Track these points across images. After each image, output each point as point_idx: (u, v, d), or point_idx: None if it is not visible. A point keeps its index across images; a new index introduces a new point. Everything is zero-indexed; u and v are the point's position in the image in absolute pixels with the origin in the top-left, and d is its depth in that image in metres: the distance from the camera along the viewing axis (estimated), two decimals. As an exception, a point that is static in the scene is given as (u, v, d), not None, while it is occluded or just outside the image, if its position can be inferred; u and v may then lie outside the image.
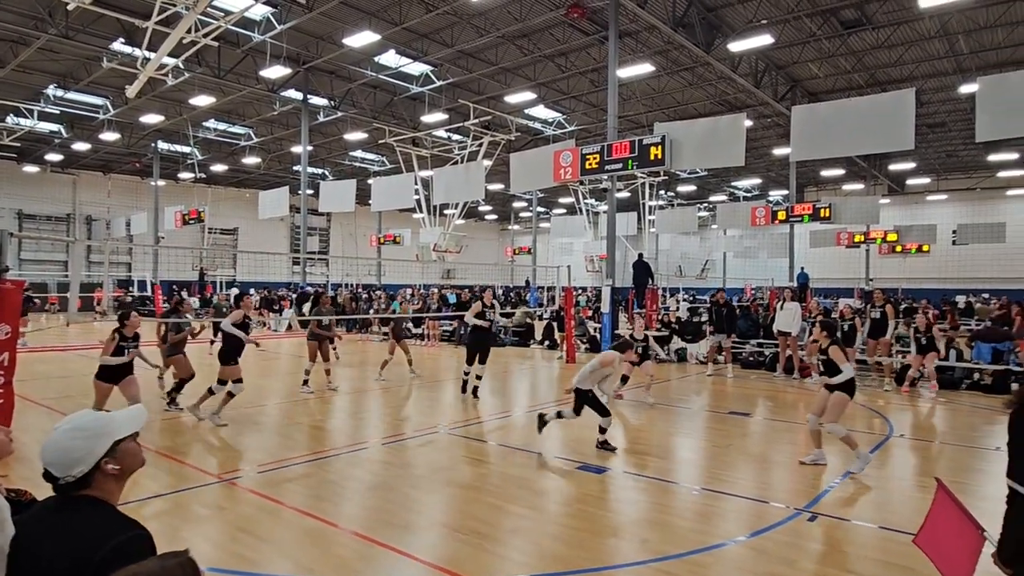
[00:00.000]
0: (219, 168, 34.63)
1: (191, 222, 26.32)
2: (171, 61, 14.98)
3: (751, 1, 16.63)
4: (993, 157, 30.33)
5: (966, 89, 20.32)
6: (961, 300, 28.63)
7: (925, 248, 31.72)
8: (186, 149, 30.18)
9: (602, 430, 7.01)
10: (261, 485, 5.69)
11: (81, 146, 29.36)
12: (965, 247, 30.72)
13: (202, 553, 3.92)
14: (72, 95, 24.14)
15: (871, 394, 10.84)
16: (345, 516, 5.05)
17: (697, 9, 16.99)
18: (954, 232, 29.32)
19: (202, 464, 6.33)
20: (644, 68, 19.76)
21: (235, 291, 26.90)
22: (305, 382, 10.50)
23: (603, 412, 6.97)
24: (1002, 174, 34.11)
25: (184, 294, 21.09)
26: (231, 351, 8.17)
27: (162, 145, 31.43)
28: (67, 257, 33.30)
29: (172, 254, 32.12)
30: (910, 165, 33.28)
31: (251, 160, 32.94)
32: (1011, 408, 1.96)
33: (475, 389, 10.08)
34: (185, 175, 33.88)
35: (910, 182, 37.20)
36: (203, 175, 33.35)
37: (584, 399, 6.98)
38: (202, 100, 22.66)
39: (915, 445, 7.80)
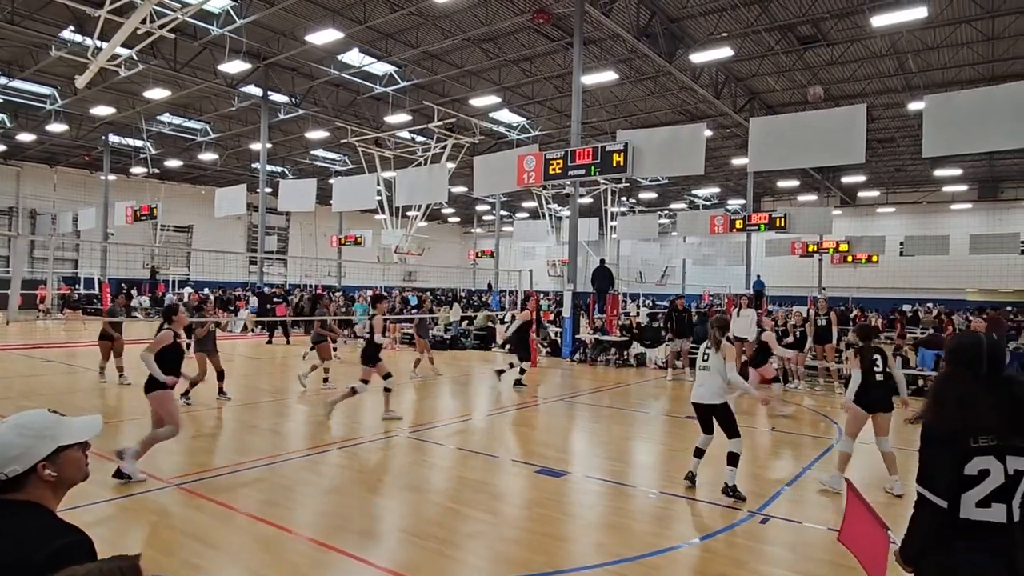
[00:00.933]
0: (174, 164, 33.64)
1: (143, 218, 25.48)
2: (124, 52, 14.53)
3: (712, 14, 17.00)
4: (939, 172, 31.67)
5: (914, 107, 21.16)
6: (908, 309, 29.74)
7: (875, 258, 32.88)
8: (139, 143, 29.24)
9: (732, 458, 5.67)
10: (212, 490, 5.52)
11: (26, 137, 28.19)
12: (912, 258, 31.94)
13: (149, 560, 3.78)
14: (17, 84, 23.16)
15: (821, 399, 11.15)
16: (299, 521, 4.94)
17: (660, 20, 17.28)
18: (902, 244, 30.48)
19: (150, 468, 6.11)
20: (608, 75, 20.01)
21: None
22: (325, 380, 11.10)
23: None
24: (947, 189, 35.64)
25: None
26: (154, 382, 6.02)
27: (113, 138, 30.38)
28: (8, 252, 31.89)
29: (122, 251, 31.09)
30: (861, 178, 34.48)
31: (208, 156, 32.09)
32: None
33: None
34: (137, 170, 32.76)
35: (861, 195, 38.53)
36: (156, 170, 32.34)
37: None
38: (157, 93, 21.98)
39: (863, 448, 8.04)
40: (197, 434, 7.58)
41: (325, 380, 11.11)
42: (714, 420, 5.71)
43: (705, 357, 5.83)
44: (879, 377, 5.96)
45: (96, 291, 27.79)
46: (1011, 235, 26.18)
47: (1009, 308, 30.83)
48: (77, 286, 30.76)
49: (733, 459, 5.60)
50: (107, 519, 4.85)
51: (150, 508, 5.11)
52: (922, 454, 2.05)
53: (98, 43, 12.44)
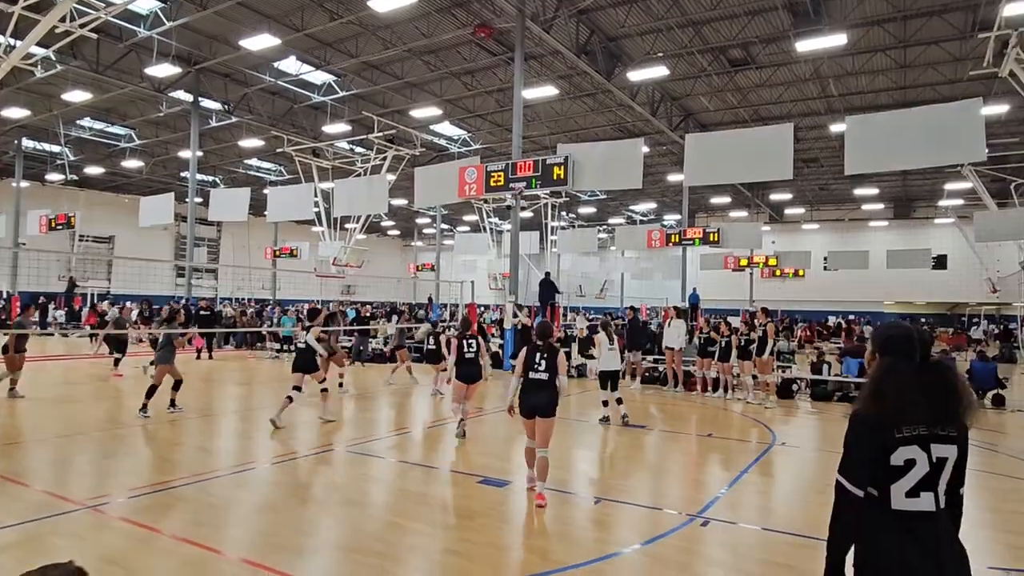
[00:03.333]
0: (95, 171, 31.86)
1: (59, 228, 23.94)
2: (40, 51, 13.71)
3: (648, 34, 17.53)
4: (858, 191, 33.56)
5: (836, 128, 22.36)
6: (832, 320, 31.21)
7: (801, 272, 34.47)
8: (56, 148, 27.59)
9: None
10: (132, 511, 5.16)
11: (-72, 139, 26.21)
12: (835, 272, 33.59)
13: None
14: (-81, 81, 21.50)
15: (754, 408, 11.49)
16: (230, 541, 4.67)
17: (599, 38, 17.68)
18: (825, 258, 32.03)
19: (60, 490, 5.67)
20: (548, 91, 20.29)
21: (107, 304, 24.79)
22: (340, 384, 11.75)
23: None
24: (866, 207, 37.81)
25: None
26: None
27: (27, 143, 28.57)
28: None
29: (34, 262, 29.11)
30: (788, 196, 36.15)
31: (132, 163, 30.61)
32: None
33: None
34: (54, 176, 30.90)
35: (788, 211, 40.37)
36: (75, 177, 30.56)
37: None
38: (76, 96, 20.88)
39: (795, 452, 8.32)
40: (113, 453, 7.11)
41: (341, 384, 11.38)
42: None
43: (539, 366, 5.62)
44: None
45: (4, 303, 25.87)
46: (924, 251, 27.89)
47: (923, 320, 32.88)
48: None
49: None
50: (10, 546, 4.45)
51: (60, 532, 4.71)
52: (847, 444, 2.07)
53: (11, 41, 11.66)
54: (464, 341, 8.18)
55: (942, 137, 10.74)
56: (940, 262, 29.44)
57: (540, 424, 5.56)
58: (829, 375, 13.19)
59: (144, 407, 8.91)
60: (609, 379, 9.41)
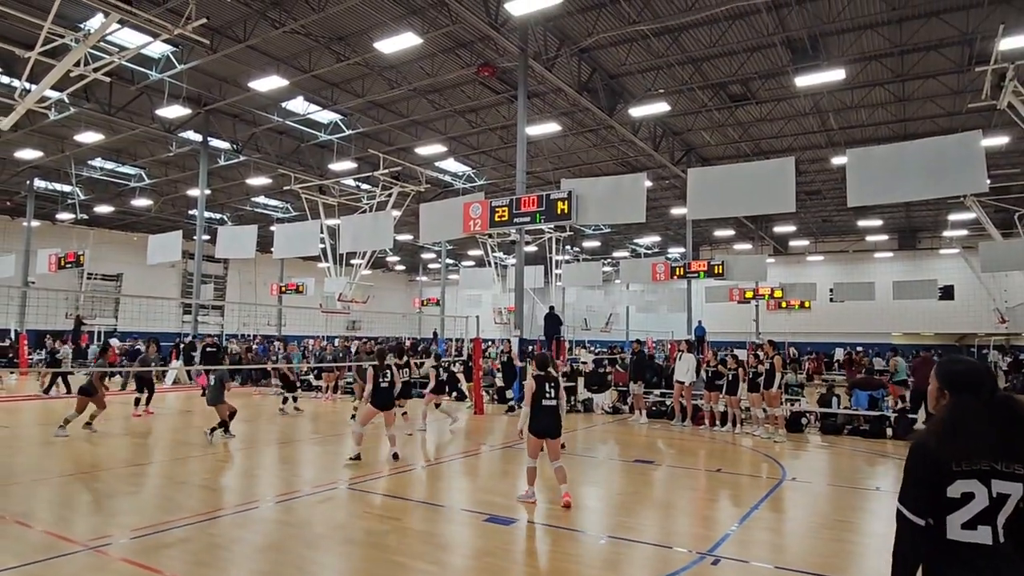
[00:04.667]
0: (104, 209, 32.32)
1: (68, 266, 24.15)
2: (55, 94, 14.06)
3: (649, 72, 17.84)
4: (862, 223, 33.64)
5: (837, 161, 22.54)
6: (840, 353, 30.95)
7: (807, 304, 34.29)
8: (67, 188, 28.00)
9: None
10: (134, 552, 5.09)
11: (-58, 181, 26.67)
12: (841, 304, 33.44)
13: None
14: (-65, 125, 21.99)
15: (763, 443, 11.34)
16: (230, 582, 4.60)
17: (601, 75, 18.01)
18: (831, 290, 31.92)
19: (62, 530, 5.60)
20: (551, 127, 20.58)
21: (115, 341, 24.86)
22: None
23: None
24: (870, 238, 37.83)
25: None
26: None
27: (39, 183, 29.03)
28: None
29: (43, 301, 29.27)
30: (791, 228, 36.23)
31: (141, 202, 31.02)
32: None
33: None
34: (65, 216, 31.31)
35: (792, 243, 40.43)
36: (85, 216, 30.91)
37: None
38: (89, 137, 21.29)
39: (806, 488, 8.17)
40: (116, 492, 7.04)
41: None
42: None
43: (550, 394, 6.54)
44: None
45: (12, 342, 25.94)
46: (930, 281, 27.82)
47: (932, 351, 32.56)
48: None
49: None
50: (11, 588, 4.39)
51: (61, 574, 4.65)
52: (906, 473, 2.08)
53: (27, 85, 11.95)
54: (381, 372, 8.79)
55: (943, 169, 10.80)
56: (947, 292, 29.26)
57: (550, 444, 6.60)
58: (839, 408, 13.03)
59: (224, 429, 10.41)
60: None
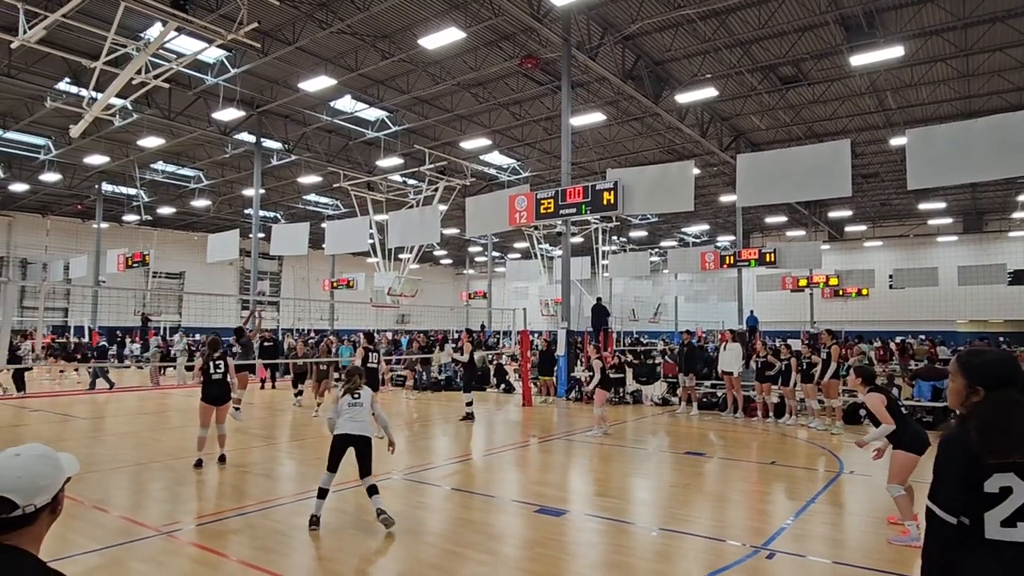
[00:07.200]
0: (166, 211, 33.80)
1: (135, 265, 25.38)
2: (119, 102, 14.73)
3: (695, 56, 17.48)
4: (924, 206, 32.19)
5: (896, 142, 21.63)
6: (899, 341, 29.70)
7: (864, 292, 33.09)
8: (132, 191, 29.37)
9: None
10: (203, 537, 5.37)
11: (19, 187, 28.29)
12: (902, 291, 32.15)
13: (135, 611, 3.63)
14: (11, 135, 23.37)
15: (819, 435, 11.06)
16: (294, 567, 4.80)
17: (645, 63, 17.74)
18: (891, 276, 30.69)
19: (138, 516, 5.95)
20: (596, 117, 20.41)
21: (178, 336, 25.93)
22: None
23: None
24: (932, 222, 36.18)
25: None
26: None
27: (107, 187, 30.54)
28: (-2, 302, 31.60)
29: (112, 299, 30.84)
30: (847, 213, 34.98)
31: (200, 203, 32.28)
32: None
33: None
34: (130, 217, 32.87)
35: (848, 229, 39.04)
36: (149, 218, 32.43)
37: None
38: (151, 142, 22.24)
39: (865, 481, 7.94)
40: (185, 481, 7.41)
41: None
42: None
43: (357, 395, 5.87)
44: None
45: (86, 339, 27.42)
46: (998, 266, 26.44)
47: (1001, 339, 31.01)
48: (68, 334, 30.40)
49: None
50: (94, 569, 4.69)
51: (138, 557, 4.94)
52: (937, 470, 1.99)
53: (93, 94, 12.58)
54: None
55: (1012, 147, 10.27)
56: (1017, 277, 27.72)
57: None
58: (900, 399, 12.57)
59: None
60: (353, 448, 5.73)
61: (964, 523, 1.92)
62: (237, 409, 10.69)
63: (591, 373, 12.14)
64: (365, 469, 5.67)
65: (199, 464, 7.92)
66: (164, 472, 7.84)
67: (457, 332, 33.87)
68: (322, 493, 5.62)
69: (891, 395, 5.69)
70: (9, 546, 1.48)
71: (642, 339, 29.35)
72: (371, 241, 21.10)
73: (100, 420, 12.58)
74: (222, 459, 8.23)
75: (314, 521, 5.53)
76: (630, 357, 18.02)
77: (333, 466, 5.65)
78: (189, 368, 18.12)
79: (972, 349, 2.19)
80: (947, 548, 1.94)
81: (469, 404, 12.35)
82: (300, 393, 14.74)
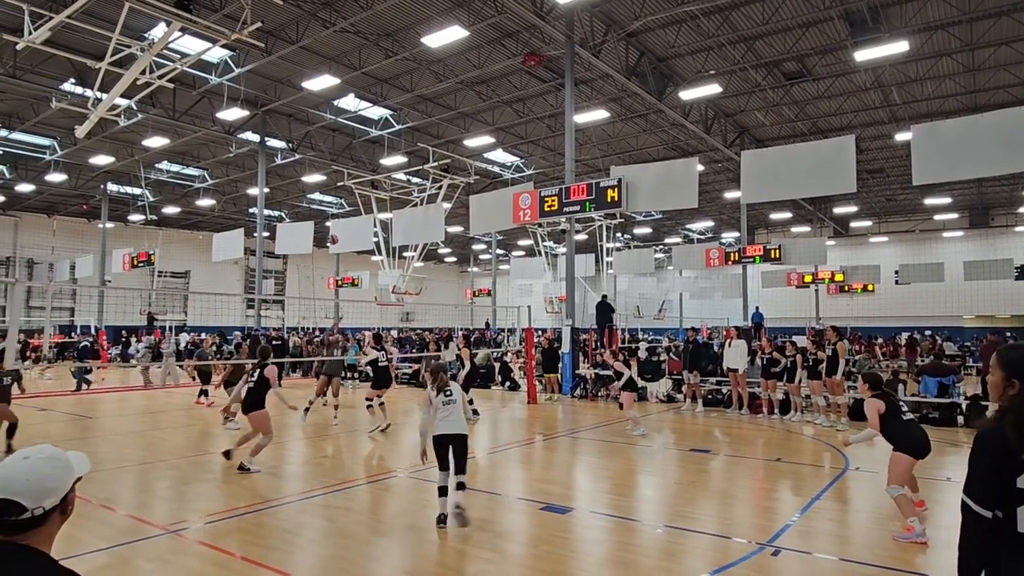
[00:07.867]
0: (171, 210, 33.90)
1: (140, 265, 25.48)
2: (124, 102, 14.78)
3: (699, 53, 17.42)
4: (929, 201, 32.04)
5: (902, 137, 21.53)
6: (908, 336, 29.57)
7: (870, 287, 33.01)
8: (137, 191, 29.49)
9: None
10: (209, 536, 5.40)
11: (25, 187, 28.43)
12: (908, 286, 32.04)
13: (143, 610, 3.66)
14: (17, 135, 23.47)
15: (825, 431, 11.04)
16: (299, 566, 4.82)
17: (649, 59, 17.70)
18: (896, 272, 30.59)
19: (144, 515, 5.99)
20: (600, 114, 20.38)
21: (184, 336, 26.05)
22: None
23: None
24: (938, 217, 36.00)
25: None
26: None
27: (112, 187, 30.66)
28: (5, 303, 31.78)
29: (118, 299, 31.00)
30: (853, 208, 34.83)
31: (205, 202, 32.36)
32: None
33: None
34: (135, 217, 33.02)
35: (853, 224, 38.88)
36: (154, 217, 32.57)
37: None
38: (155, 141, 22.31)
39: (871, 478, 7.93)
40: (192, 480, 7.44)
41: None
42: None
43: (448, 392, 5.79)
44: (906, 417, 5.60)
45: (92, 339, 27.54)
46: (1005, 261, 26.34)
47: (1009, 334, 30.87)
48: (75, 333, 30.56)
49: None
50: (101, 568, 4.72)
51: (146, 556, 4.97)
52: (972, 464, 2.01)
53: (98, 94, 12.63)
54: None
55: (1018, 142, 10.21)
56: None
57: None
58: (905, 395, 12.53)
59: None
60: (451, 446, 5.74)
61: (998, 516, 1.94)
62: (228, 419, 10.82)
63: (614, 373, 11.78)
64: (460, 468, 5.71)
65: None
66: (169, 471, 7.88)
67: (461, 330, 33.90)
68: (442, 491, 5.67)
69: (892, 401, 5.68)
70: (24, 546, 1.49)
71: (636, 335, 29.27)
72: (375, 239, 21.15)
73: (107, 419, 12.65)
74: (227, 454, 8.19)
75: (442, 519, 5.56)
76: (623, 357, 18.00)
77: (444, 464, 5.72)
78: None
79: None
80: (983, 541, 1.96)
81: (470, 403, 12.35)
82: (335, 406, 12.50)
